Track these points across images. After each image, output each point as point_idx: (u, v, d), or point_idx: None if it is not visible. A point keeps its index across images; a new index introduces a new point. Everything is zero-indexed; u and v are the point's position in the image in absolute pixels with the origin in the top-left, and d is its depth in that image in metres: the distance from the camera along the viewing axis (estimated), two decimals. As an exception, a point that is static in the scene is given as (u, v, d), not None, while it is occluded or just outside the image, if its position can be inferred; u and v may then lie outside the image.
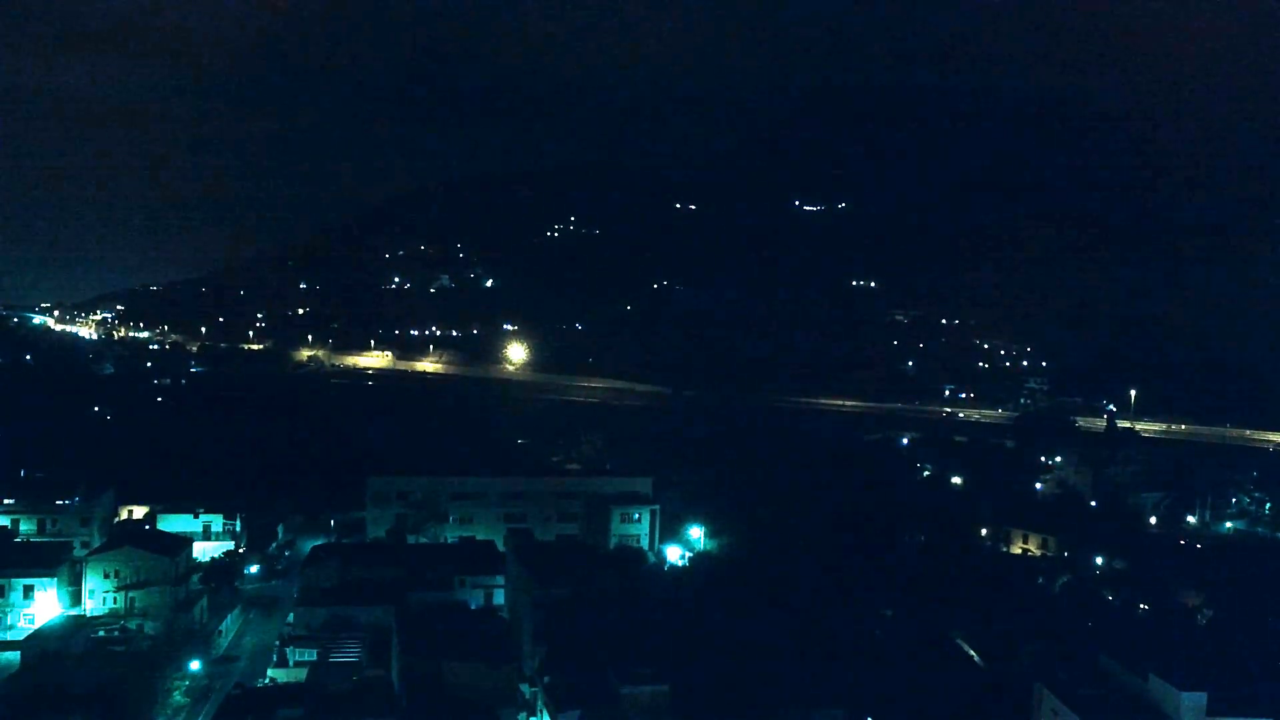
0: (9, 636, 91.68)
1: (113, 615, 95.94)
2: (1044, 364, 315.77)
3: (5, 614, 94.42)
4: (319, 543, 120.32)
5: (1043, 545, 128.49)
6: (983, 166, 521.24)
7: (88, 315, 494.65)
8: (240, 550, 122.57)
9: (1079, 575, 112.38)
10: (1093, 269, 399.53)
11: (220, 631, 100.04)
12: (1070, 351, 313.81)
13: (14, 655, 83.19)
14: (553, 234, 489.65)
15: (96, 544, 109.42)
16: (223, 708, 71.84)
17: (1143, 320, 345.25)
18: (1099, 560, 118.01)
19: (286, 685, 77.49)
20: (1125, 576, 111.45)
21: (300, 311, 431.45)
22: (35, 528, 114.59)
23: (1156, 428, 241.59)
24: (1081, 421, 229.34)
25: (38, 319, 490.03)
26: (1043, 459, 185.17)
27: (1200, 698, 60.56)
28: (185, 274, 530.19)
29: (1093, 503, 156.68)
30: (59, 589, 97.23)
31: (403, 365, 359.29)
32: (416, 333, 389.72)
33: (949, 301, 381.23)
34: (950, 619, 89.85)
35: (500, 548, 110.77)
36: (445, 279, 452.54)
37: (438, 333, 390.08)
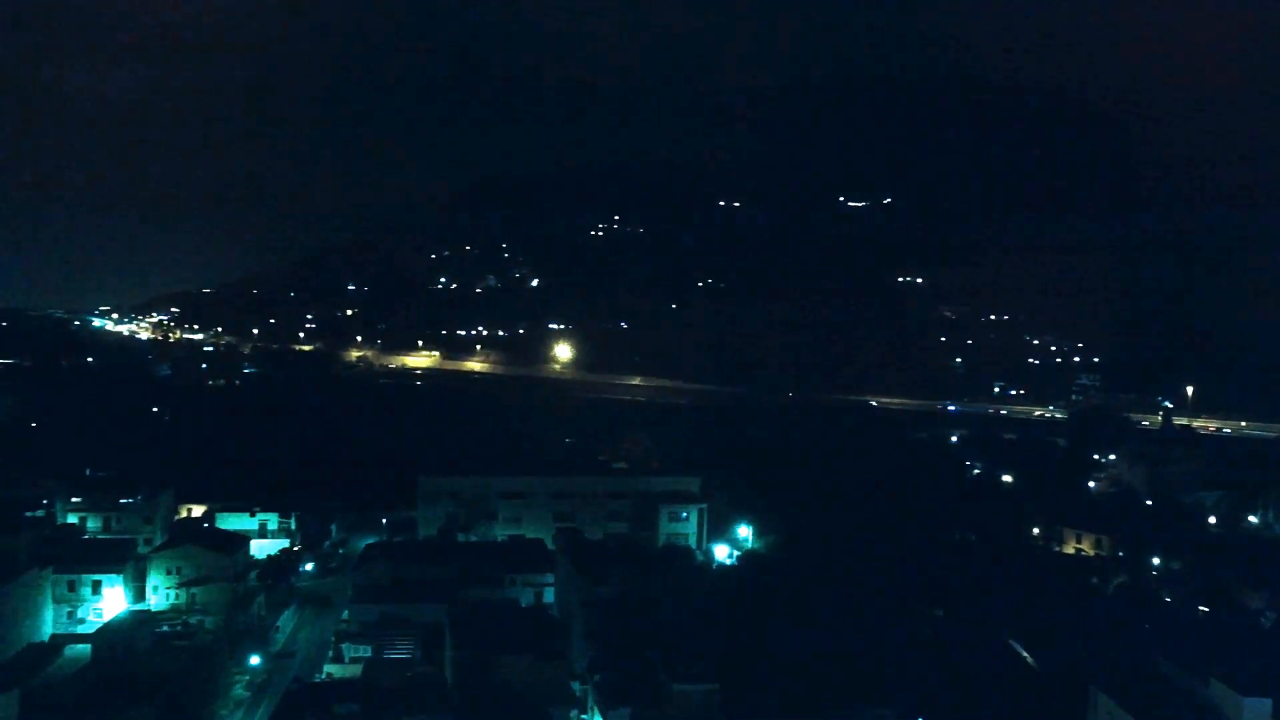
0: (80, 630, 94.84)
1: (175, 611, 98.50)
2: (1096, 360, 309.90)
3: (76, 608, 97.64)
4: (371, 541, 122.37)
5: (1096, 545, 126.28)
6: (1032, 160, 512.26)
7: (145, 317, 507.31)
8: (295, 548, 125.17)
9: (1135, 576, 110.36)
10: (1147, 263, 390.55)
11: (277, 627, 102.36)
12: (1124, 347, 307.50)
13: (85, 648, 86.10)
14: (597, 233, 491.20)
15: (158, 542, 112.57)
16: (283, 702, 73.67)
17: (1199, 314, 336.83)
18: (1156, 561, 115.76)
19: (343, 681, 79.16)
20: (1183, 577, 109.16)
21: (349, 312, 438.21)
22: (101, 525, 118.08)
23: (1215, 424, 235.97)
24: (1136, 418, 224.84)
25: (98, 321, 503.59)
26: (1096, 457, 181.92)
27: (1265, 704, 59.15)
28: (237, 276, 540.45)
29: (1148, 502, 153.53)
30: (124, 585, 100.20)
31: (450, 365, 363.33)
32: (463, 333, 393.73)
33: (998, 297, 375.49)
34: (1002, 619, 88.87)
35: (549, 546, 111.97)
36: (491, 279, 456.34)
37: (484, 333, 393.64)
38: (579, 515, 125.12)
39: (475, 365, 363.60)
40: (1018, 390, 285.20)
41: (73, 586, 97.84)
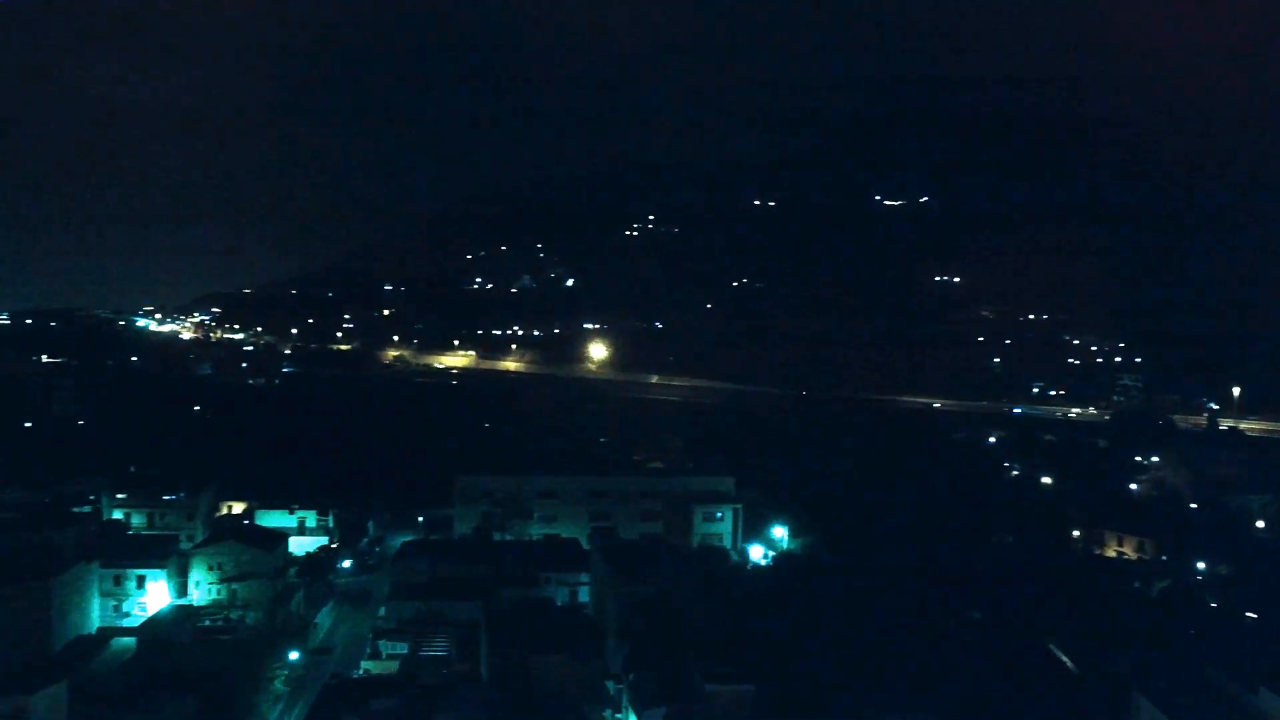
0: (125, 623, 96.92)
1: (216, 606, 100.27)
2: (1138, 360, 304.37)
3: (121, 602, 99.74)
4: (408, 539, 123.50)
5: (1139, 548, 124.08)
6: (1072, 158, 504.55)
7: (186, 317, 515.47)
8: (333, 545, 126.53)
9: (1179, 580, 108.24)
10: (1192, 261, 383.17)
11: (316, 623, 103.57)
12: (1167, 347, 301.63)
13: (130, 641, 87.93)
14: (632, 233, 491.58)
15: (200, 538, 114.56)
16: (321, 697, 74.61)
17: (1245, 313, 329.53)
18: (1201, 565, 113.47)
19: (380, 677, 79.95)
20: (1230, 582, 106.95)
21: (386, 312, 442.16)
22: (145, 521, 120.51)
23: (1262, 426, 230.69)
24: (1180, 419, 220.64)
25: (141, 321, 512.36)
26: (1138, 458, 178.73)
27: (1313, 711, 58.04)
28: (276, 277, 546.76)
29: (1193, 505, 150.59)
30: (168, 580, 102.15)
31: (485, 365, 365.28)
32: (499, 332, 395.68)
33: (1037, 296, 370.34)
34: (1042, 623, 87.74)
35: (584, 545, 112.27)
36: (526, 279, 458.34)
37: (519, 332, 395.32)
38: (614, 515, 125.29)
39: (511, 365, 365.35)
40: (1057, 391, 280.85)
41: (118, 581, 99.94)
